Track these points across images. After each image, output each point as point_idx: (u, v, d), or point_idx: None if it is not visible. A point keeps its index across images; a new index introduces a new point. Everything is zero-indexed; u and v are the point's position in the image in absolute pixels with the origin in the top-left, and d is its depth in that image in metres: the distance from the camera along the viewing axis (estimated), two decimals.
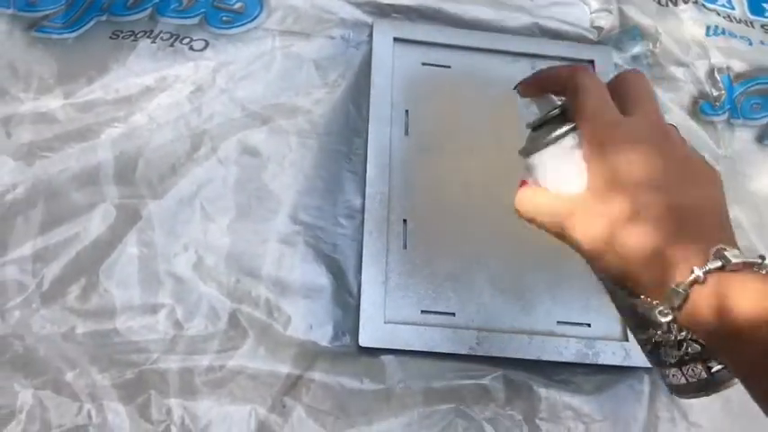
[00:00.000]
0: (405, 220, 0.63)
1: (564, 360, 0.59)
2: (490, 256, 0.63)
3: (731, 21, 0.79)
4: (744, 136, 0.73)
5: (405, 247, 0.62)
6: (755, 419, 0.59)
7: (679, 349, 0.35)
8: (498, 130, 0.68)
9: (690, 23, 0.77)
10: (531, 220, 0.40)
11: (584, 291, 0.63)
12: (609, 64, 0.74)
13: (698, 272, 0.31)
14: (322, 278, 0.60)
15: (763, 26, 0.80)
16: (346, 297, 0.60)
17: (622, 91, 0.37)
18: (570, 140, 0.38)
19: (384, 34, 0.71)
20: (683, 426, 0.58)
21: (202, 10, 0.68)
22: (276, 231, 0.61)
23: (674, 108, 0.73)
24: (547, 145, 0.39)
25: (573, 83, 0.38)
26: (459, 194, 0.65)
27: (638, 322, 0.37)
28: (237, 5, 0.69)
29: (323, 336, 0.58)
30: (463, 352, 0.58)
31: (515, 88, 0.42)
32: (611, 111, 0.36)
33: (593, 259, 0.36)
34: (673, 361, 0.36)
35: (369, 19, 0.72)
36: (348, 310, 0.59)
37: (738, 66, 0.75)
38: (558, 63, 0.73)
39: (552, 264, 0.63)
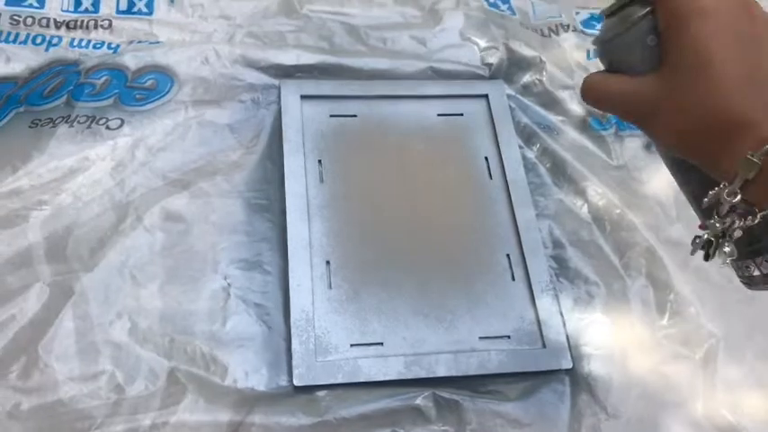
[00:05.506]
0: (328, 262, 0.67)
1: (488, 372, 0.63)
2: (411, 286, 0.67)
3: None
4: (633, 145, 0.79)
5: (330, 287, 0.66)
6: (667, 406, 0.64)
7: (750, 244, 0.36)
8: (405, 168, 0.74)
9: (571, 50, 0.84)
10: (597, 106, 0.40)
11: (502, 306, 0.67)
12: (502, 96, 0.80)
13: None
14: (253, 326, 0.63)
15: None
16: (279, 340, 0.63)
17: None
18: (647, 24, 0.37)
19: (291, 93, 0.76)
20: (603, 417, 0.62)
21: (116, 91, 0.73)
22: (205, 289, 0.64)
23: (566, 129, 0.79)
24: (624, 30, 0.37)
25: None
26: (376, 231, 0.70)
27: (708, 213, 0.37)
28: (149, 83, 0.74)
29: (259, 381, 0.61)
30: (393, 377, 0.62)
31: None
32: None
33: (668, 141, 0.37)
34: (746, 251, 0.37)
35: (275, 81, 0.77)
36: (281, 353, 0.62)
37: None
38: (456, 100, 0.80)
39: (469, 286, 0.68)
